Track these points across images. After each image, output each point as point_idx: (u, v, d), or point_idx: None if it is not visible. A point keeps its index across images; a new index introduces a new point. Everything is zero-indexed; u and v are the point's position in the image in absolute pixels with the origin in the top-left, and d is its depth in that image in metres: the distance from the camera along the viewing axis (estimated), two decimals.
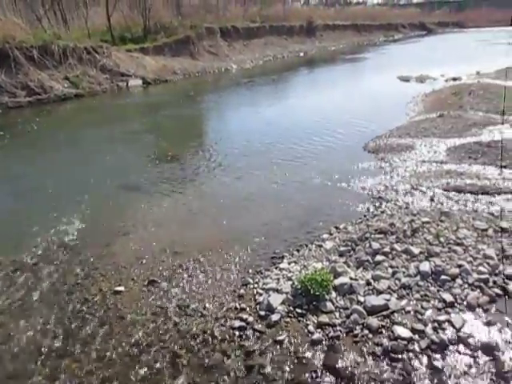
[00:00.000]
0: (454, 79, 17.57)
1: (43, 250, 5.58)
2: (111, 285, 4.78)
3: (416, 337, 3.60)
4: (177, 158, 9.23)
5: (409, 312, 3.88)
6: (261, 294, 4.33)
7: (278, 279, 4.56)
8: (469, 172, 7.32)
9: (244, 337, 3.83)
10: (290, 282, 4.40)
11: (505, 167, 7.48)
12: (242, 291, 4.49)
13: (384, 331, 3.70)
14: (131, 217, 6.47)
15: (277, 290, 4.32)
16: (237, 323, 3.96)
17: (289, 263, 4.90)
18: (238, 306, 4.23)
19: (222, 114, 14.87)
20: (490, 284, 4.15)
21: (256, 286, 4.55)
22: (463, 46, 38.33)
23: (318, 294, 4.04)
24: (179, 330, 4.02)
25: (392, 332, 3.65)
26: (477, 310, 3.88)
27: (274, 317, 3.94)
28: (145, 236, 5.88)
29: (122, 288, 4.69)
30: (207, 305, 4.32)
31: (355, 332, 3.70)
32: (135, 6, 27.60)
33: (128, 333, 4.02)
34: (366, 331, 3.70)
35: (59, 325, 4.18)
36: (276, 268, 4.85)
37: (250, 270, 4.91)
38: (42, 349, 3.88)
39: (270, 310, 4.04)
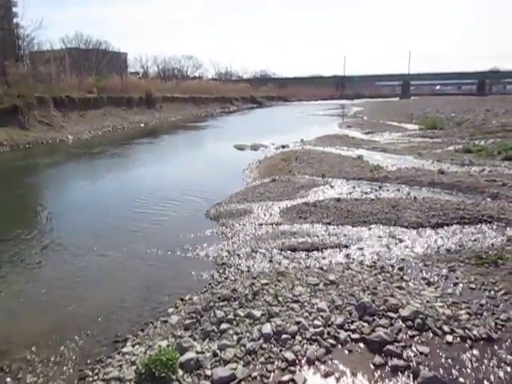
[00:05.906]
0: (283, 147, 19.58)
1: None
2: None
3: None
4: (3, 240, 8.16)
5: (255, 378, 3.89)
6: None
7: (121, 366, 4.21)
8: (300, 231, 8.03)
9: None
10: (134, 367, 4.09)
11: (329, 224, 8.41)
12: None
13: None
14: None
15: (119, 379, 3.96)
16: None
17: (133, 345, 4.59)
18: None
19: (57, 188, 13.84)
20: (325, 336, 4.44)
21: (96, 377, 4.12)
22: (288, 117, 43.46)
23: (163, 375, 3.83)
24: None
25: None
26: (316, 363, 4.08)
27: None
28: None
29: None
30: None
31: None
32: None
33: None
34: None
35: None
36: (119, 353, 4.48)
37: (89, 360, 4.44)
38: None
39: None
